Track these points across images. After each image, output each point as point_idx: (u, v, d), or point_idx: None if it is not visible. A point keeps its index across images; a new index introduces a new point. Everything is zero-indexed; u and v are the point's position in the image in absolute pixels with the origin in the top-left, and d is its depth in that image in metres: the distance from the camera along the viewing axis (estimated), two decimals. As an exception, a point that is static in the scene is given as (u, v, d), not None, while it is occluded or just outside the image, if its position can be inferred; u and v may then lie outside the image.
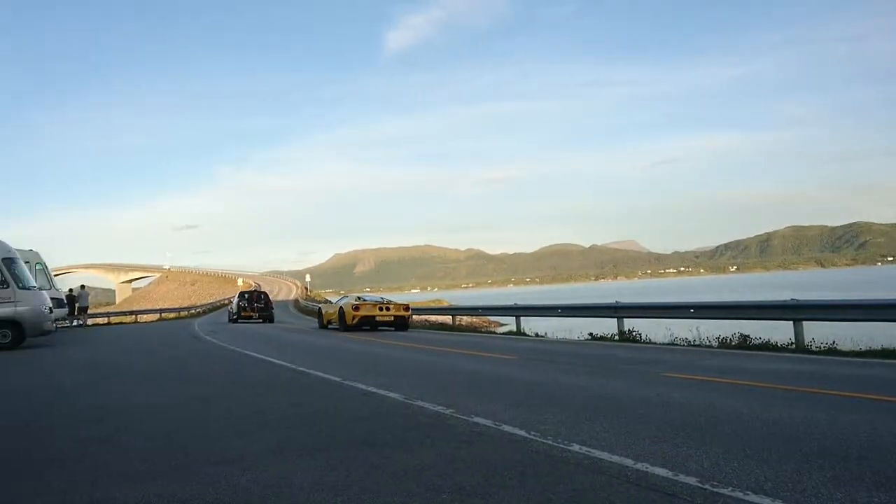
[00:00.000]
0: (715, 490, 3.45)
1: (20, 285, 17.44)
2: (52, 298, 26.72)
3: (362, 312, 20.44)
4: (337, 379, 8.49)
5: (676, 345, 13.40)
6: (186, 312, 48.77)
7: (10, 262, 17.50)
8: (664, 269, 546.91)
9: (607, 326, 16.27)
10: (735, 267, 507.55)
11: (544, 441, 4.64)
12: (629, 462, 4.03)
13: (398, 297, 28.11)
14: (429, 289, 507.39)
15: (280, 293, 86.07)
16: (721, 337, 13.07)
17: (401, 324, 20.87)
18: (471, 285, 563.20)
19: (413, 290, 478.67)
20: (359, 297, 22.18)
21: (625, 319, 15.28)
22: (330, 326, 22.52)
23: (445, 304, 79.14)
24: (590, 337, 15.89)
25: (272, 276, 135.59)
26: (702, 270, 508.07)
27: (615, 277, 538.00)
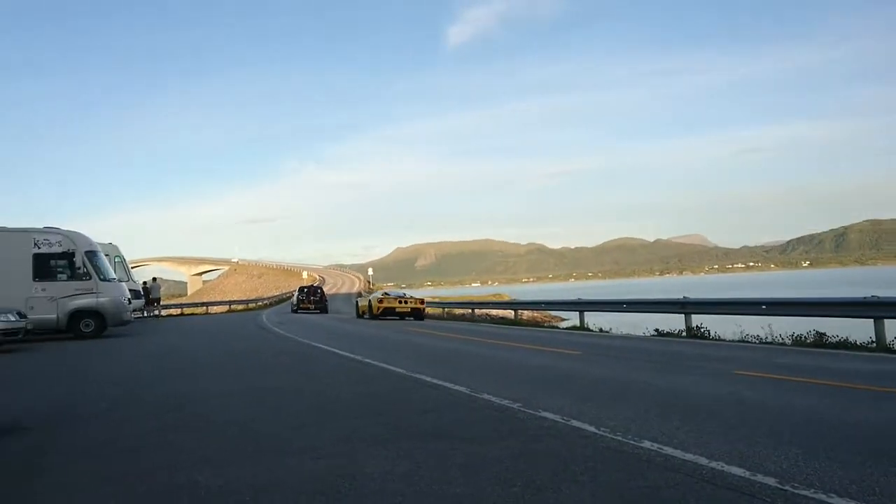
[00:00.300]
0: (796, 492, 3.34)
1: (101, 277, 18.30)
2: (129, 290, 27.97)
3: (385, 304, 25.35)
4: (401, 371, 8.60)
5: (747, 342, 13.00)
6: (254, 304, 50.14)
7: (92, 254, 18.37)
8: (732, 264, 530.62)
9: (673, 322, 15.90)
10: (808, 262, 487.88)
11: (614, 437, 4.58)
12: (703, 460, 3.94)
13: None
14: (489, 283, 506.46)
15: (343, 286, 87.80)
16: (795, 334, 12.61)
17: (417, 314, 25.31)
18: (531, 280, 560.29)
19: (473, 284, 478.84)
20: (385, 293, 27.62)
21: (692, 315, 14.90)
22: (364, 316, 26.49)
23: (506, 298, 78.94)
24: (656, 333, 15.57)
25: (335, 269, 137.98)
26: (772, 266, 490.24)
27: (680, 272, 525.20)
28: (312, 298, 38.24)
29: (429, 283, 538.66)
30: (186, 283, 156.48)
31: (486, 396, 6.36)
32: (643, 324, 17.77)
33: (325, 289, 46.77)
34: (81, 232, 18.80)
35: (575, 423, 5.08)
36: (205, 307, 44.98)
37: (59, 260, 17.88)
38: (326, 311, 37.05)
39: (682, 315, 15.14)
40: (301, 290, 40.11)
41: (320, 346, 13.45)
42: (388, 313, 25.27)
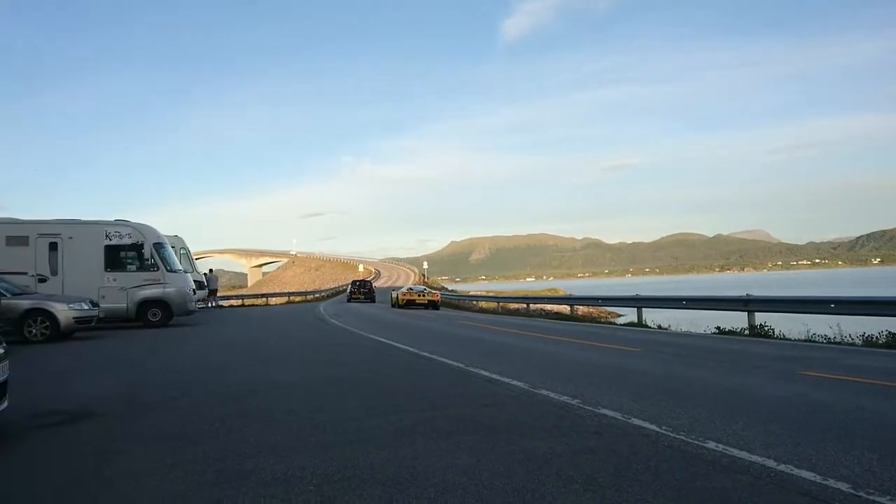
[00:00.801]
0: (871, 498, 3.23)
1: (168, 268, 18.93)
2: (194, 281, 28.84)
3: (407, 297, 32.57)
4: (460, 365, 8.64)
5: (814, 341, 12.58)
6: (312, 296, 51.01)
7: (159, 246, 19.02)
8: (797, 261, 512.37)
9: (735, 320, 15.51)
10: (879, 259, 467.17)
11: (677, 436, 4.51)
12: (771, 463, 3.84)
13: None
14: (544, 277, 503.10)
15: (398, 279, 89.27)
16: (866, 335, 12.14)
17: (434, 306, 32.15)
18: (587, 275, 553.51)
19: (528, 279, 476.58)
20: (409, 288, 35.65)
21: (756, 313, 14.49)
22: (395, 307, 32.00)
23: (561, 293, 78.34)
24: (717, 331, 15.22)
25: (390, 262, 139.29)
26: (840, 262, 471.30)
27: (742, 269, 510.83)
28: (362, 290, 45.61)
29: (483, 277, 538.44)
30: (247, 274, 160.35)
31: (544, 392, 6.35)
32: (703, 321, 17.37)
33: (381, 281, 56.57)
34: (150, 224, 19.49)
35: (635, 421, 5.02)
36: (265, 298, 46.04)
37: (128, 251, 18.57)
38: (374, 301, 42.96)
39: (745, 313, 14.74)
40: (354, 283, 48.05)
41: (377, 338, 13.62)
42: (410, 304, 31.84)
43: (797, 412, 5.38)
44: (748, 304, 14.77)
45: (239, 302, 42.84)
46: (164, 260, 18.91)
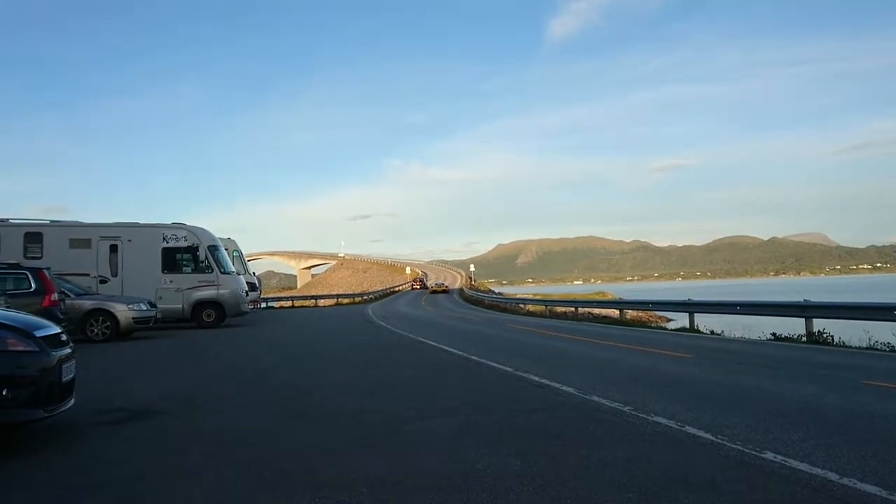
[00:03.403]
0: (941, 515, 3.11)
1: (222, 270, 19.42)
2: (246, 283, 29.45)
3: (434, 288, 64.15)
4: (508, 369, 8.62)
5: (877, 350, 12.12)
6: (360, 298, 51.58)
7: (213, 249, 19.52)
8: (856, 265, 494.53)
9: (792, 326, 15.07)
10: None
11: (733, 446, 4.41)
12: (833, 476, 3.73)
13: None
14: (592, 281, 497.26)
15: (445, 281, 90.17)
16: (933, 343, 11.64)
17: (445, 292, 60.52)
18: (636, 278, 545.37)
19: (576, 282, 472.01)
20: (437, 284, 69.28)
21: (814, 320, 14.04)
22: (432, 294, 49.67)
23: (610, 297, 77.19)
24: (772, 337, 14.80)
25: (438, 265, 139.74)
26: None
27: (798, 273, 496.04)
28: (419, 283, 78.47)
29: (530, 280, 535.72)
30: (296, 276, 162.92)
31: (595, 398, 6.28)
32: (758, 327, 16.94)
33: (428, 283, 76.41)
34: (204, 227, 20.01)
35: (690, 429, 4.93)
36: (314, 300, 46.74)
37: (184, 254, 19.13)
38: (426, 288, 69.30)
39: (802, 319, 14.30)
40: (414, 280, 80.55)
41: (426, 341, 13.69)
42: (435, 292, 59.87)
43: (860, 423, 5.20)
44: (806, 309, 14.31)
45: (289, 304, 43.57)
46: (218, 262, 19.40)
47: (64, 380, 5.02)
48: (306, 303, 45.69)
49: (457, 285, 79.14)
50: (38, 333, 4.87)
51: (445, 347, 12.03)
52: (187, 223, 19.71)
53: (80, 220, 20.91)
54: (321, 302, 46.67)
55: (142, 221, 19.58)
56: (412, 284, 77.76)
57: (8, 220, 18.61)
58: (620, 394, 6.50)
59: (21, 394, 4.54)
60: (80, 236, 18.57)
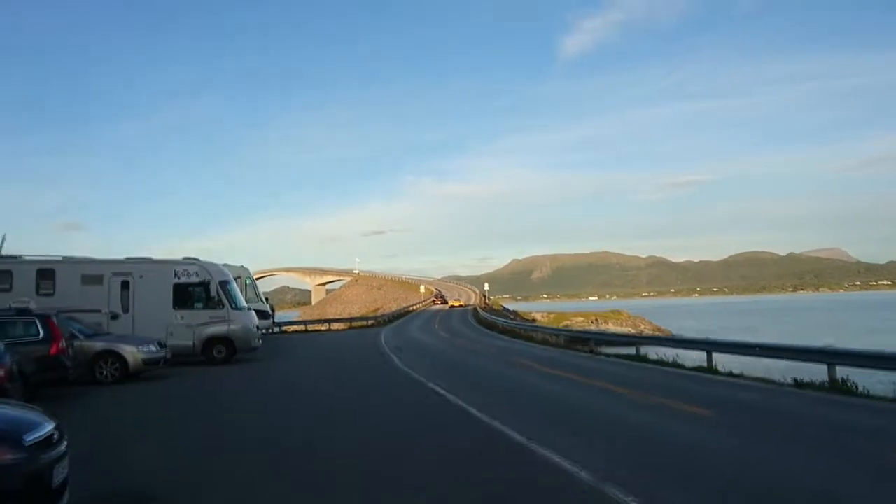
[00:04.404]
0: None
1: (233, 306, 19.34)
2: (258, 311, 29.43)
3: (451, 304, 79.16)
4: (522, 439, 8.17)
5: (904, 402, 11.68)
6: (373, 321, 51.36)
7: (224, 284, 19.45)
8: (876, 281, 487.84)
9: (814, 370, 14.74)
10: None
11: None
12: None
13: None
14: (607, 297, 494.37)
15: (460, 298, 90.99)
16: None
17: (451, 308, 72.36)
18: (652, 294, 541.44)
19: (591, 298, 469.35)
20: (455, 299, 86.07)
21: (837, 367, 13.62)
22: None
23: (625, 315, 76.29)
24: (794, 382, 14.41)
25: (451, 281, 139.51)
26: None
27: (817, 289, 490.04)
28: (439, 298, 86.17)
29: (545, 296, 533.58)
30: (311, 291, 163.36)
31: (610, 491, 5.94)
32: (778, 367, 16.60)
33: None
34: (216, 263, 19.98)
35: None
36: (328, 324, 46.70)
37: (195, 289, 19.06)
38: (447, 304, 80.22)
39: (826, 365, 13.88)
40: (434, 295, 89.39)
41: (437, 389, 13.27)
42: (452, 307, 72.09)
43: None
44: (828, 355, 13.89)
45: (303, 328, 43.59)
46: (229, 297, 19.32)
47: (55, 484, 4.81)
48: (320, 327, 45.69)
49: (471, 303, 78.87)
50: (28, 439, 4.64)
51: (455, 400, 11.65)
52: (200, 258, 19.73)
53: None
54: (334, 325, 46.64)
55: (155, 257, 19.59)
56: (433, 300, 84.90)
57: (21, 256, 18.69)
58: (637, 483, 6.13)
59: (4, 509, 4.33)
60: (92, 272, 18.59)
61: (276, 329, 38.65)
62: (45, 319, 12.61)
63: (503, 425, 9.04)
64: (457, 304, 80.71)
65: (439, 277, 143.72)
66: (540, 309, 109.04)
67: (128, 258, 19.29)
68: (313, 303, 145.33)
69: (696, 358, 19.53)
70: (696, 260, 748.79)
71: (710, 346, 18.14)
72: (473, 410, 10.42)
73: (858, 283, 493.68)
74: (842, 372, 13.71)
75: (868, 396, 12.64)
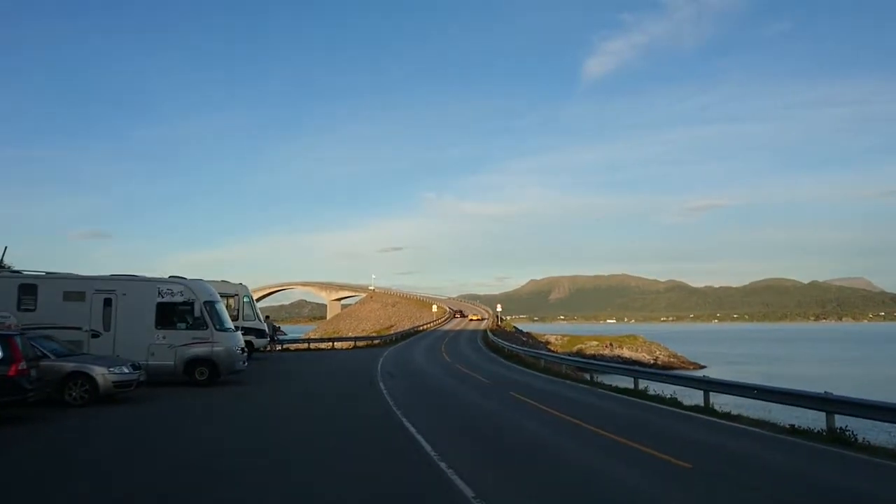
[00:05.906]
0: None
1: (218, 327, 18.87)
2: (254, 329, 29.09)
3: (469, 318, 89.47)
4: (469, 494, 7.58)
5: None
6: (379, 341, 50.75)
7: (210, 304, 19.01)
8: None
9: (812, 417, 14.06)
10: None
11: None
12: None
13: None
14: (625, 320, 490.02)
15: (478, 314, 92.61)
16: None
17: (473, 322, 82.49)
18: (670, 319, 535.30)
19: (609, 321, 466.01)
20: (472, 316, 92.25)
21: (836, 415, 12.86)
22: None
23: (640, 340, 74.78)
24: (790, 428, 13.64)
25: (466, 301, 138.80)
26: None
27: (839, 318, 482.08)
28: (458, 314, 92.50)
29: (561, 317, 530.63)
30: (327, 306, 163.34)
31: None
32: (777, 409, 15.99)
33: (453, 323, 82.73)
34: (202, 281, 19.57)
35: None
36: (331, 343, 46.26)
37: (179, 308, 18.65)
38: (466, 317, 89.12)
39: (824, 413, 13.11)
40: (451, 311, 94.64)
41: (411, 431, 12.67)
42: (470, 322, 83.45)
43: None
44: (828, 403, 13.10)
45: (305, 346, 43.24)
46: (214, 318, 18.87)
47: None
48: (322, 345, 45.25)
49: (482, 326, 77.56)
50: None
51: (445, 470, 11.06)
52: (186, 277, 19.32)
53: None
54: (338, 344, 46.15)
55: (139, 275, 19.24)
56: (454, 314, 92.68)
57: (4, 268, 18.44)
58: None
59: None
60: (74, 289, 18.26)
61: (279, 347, 38.32)
62: (7, 339, 12.21)
63: (455, 474, 8.45)
64: (475, 317, 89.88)
65: (455, 296, 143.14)
66: (555, 331, 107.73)
67: (112, 275, 18.95)
68: (328, 318, 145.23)
69: (693, 395, 18.79)
70: (716, 285, 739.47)
71: (706, 384, 17.43)
72: (432, 452, 9.81)
73: (883, 313, 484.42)
74: (841, 422, 12.96)
75: (866, 445, 11.89)
